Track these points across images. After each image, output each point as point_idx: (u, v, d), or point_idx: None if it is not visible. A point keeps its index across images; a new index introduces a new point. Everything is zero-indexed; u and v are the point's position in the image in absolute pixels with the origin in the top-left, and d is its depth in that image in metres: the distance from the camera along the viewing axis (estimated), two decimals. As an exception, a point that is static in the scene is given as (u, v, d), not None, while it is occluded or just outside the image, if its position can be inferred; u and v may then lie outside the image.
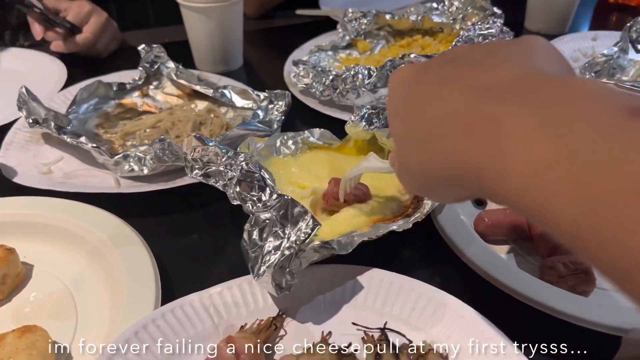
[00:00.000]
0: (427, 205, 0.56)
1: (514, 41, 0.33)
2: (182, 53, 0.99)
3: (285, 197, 0.48)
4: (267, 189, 0.50)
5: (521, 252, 0.59)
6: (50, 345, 0.45)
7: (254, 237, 0.48)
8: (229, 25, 0.97)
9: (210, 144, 0.55)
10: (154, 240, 0.57)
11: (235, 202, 0.53)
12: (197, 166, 0.56)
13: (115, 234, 0.57)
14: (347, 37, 1.03)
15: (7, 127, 0.78)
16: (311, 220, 0.46)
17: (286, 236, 0.46)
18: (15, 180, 0.67)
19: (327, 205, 0.60)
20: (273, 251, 0.46)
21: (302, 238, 0.45)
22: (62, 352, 0.48)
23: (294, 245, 0.45)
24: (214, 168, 0.55)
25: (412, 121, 0.32)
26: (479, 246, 0.56)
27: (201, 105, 0.88)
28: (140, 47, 0.90)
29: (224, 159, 0.54)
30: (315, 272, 0.52)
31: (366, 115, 0.66)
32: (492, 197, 0.27)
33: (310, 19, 1.26)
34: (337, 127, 0.71)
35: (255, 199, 0.50)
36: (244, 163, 0.53)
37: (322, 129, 0.70)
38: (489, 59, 0.31)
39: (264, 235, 0.47)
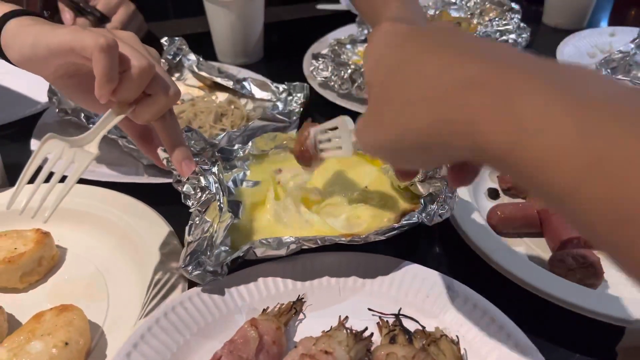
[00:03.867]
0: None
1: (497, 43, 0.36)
2: (203, 44, 1.01)
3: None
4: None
5: (532, 245, 0.61)
6: (86, 323, 0.48)
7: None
8: (250, 18, 0.99)
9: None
10: (181, 226, 0.60)
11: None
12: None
13: (144, 221, 0.61)
14: (366, 31, 1.04)
15: (38, 116, 0.81)
16: None
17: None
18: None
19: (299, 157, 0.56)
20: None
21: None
22: (95, 330, 0.51)
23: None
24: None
25: (403, 78, 0.32)
26: (491, 239, 0.58)
27: (222, 96, 0.90)
28: (163, 40, 0.93)
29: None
30: (334, 259, 0.55)
31: None
32: (481, 152, 0.27)
33: (331, 12, 1.27)
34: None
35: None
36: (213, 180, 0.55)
37: None
38: (477, 40, 0.33)
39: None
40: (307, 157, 0.53)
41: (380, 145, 0.36)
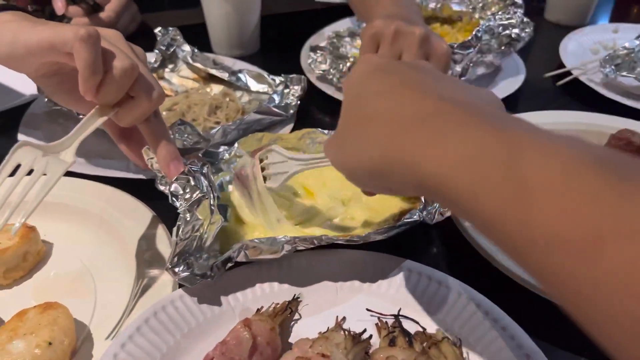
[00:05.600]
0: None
1: (475, 88, 0.38)
2: (198, 36, 0.99)
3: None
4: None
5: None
6: (71, 322, 0.46)
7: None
8: (245, 8, 0.96)
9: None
10: (173, 223, 0.58)
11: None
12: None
13: (134, 216, 0.58)
14: (365, 25, 1.02)
15: (26, 106, 0.78)
16: None
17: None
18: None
19: None
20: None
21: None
22: (82, 329, 0.48)
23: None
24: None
25: (367, 112, 0.36)
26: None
27: (216, 89, 0.88)
28: (157, 30, 0.90)
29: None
30: (330, 258, 0.53)
31: None
32: (422, 185, 0.30)
33: (328, 6, 1.25)
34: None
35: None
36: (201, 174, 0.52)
37: None
38: (449, 82, 0.36)
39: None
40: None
41: (342, 166, 0.39)
